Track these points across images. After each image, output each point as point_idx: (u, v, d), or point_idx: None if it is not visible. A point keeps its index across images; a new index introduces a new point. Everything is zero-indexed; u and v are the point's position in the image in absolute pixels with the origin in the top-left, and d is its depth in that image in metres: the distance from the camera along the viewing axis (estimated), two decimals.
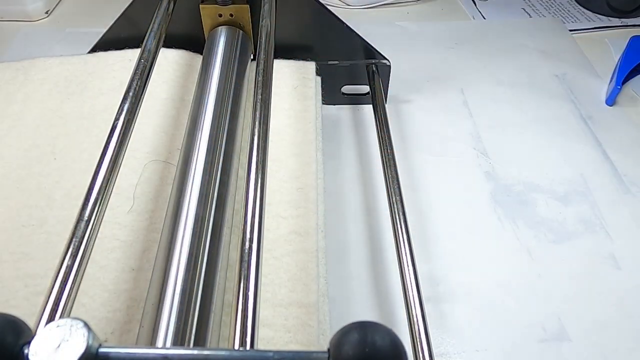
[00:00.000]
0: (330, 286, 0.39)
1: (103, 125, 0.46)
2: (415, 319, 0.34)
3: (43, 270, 0.36)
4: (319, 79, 0.51)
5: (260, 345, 0.31)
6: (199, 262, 0.31)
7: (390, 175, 0.44)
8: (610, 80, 0.59)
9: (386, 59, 0.54)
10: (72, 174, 0.42)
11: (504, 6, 0.75)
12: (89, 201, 0.29)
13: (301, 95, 0.49)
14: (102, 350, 0.18)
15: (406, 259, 0.38)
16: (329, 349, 0.19)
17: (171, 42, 0.50)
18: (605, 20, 0.71)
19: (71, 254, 0.26)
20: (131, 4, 0.51)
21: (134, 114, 0.35)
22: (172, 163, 0.43)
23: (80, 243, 0.27)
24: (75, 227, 0.28)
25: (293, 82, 0.50)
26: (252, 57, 0.51)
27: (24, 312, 0.32)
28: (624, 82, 0.58)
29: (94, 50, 0.53)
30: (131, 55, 0.51)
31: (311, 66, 0.51)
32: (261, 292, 0.32)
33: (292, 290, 0.35)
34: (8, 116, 0.47)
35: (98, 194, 0.29)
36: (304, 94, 0.49)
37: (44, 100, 0.48)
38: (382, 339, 0.18)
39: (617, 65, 0.60)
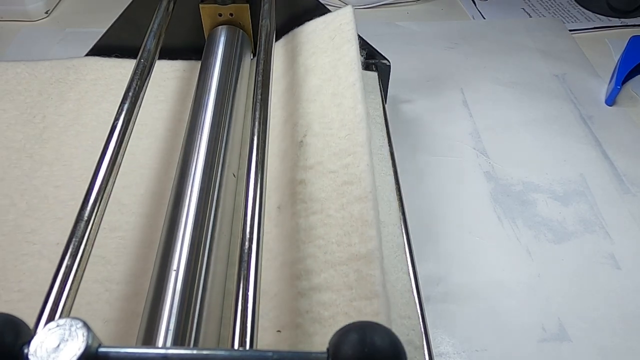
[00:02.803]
0: None
1: (160, 131, 0.46)
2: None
3: (122, 275, 0.36)
4: (354, 22, 0.46)
5: (322, 310, 0.30)
6: (199, 262, 0.31)
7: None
8: (610, 80, 0.59)
9: (386, 58, 0.54)
10: (141, 178, 0.42)
11: (504, 6, 0.75)
12: (89, 201, 0.29)
13: (337, 44, 0.45)
14: (101, 349, 0.18)
15: (406, 258, 0.38)
16: (328, 349, 0.19)
17: (171, 42, 0.50)
18: (605, 20, 0.71)
19: (71, 254, 0.26)
20: (131, 4, 0.51)
21: (134, 114, 0.35)
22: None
23: (80, 243, 0.27)
24: (75, 227, 0.28)
25: (329, 34, 0.46)
26: (252, 56, 0.51)
27: (107, 317, 0.33)
28: (623, 82, 0.58)
29: (93, 50, 0.53)
30: (184, 66, 0.52)
31: (348, 11, 0.47)
32: (320, 253, 0.32)
33: (349, 244, 0.32)
34: (62, 114, 0.47)
35: (98, 193, 0.29)
36: (341, 42, 0.44)
37: (99, 101, 0.48)
38: (382, 339, 0.18)
39: (617, 65, 0.60)
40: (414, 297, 0.35)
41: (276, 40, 0.50)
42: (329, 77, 0.42)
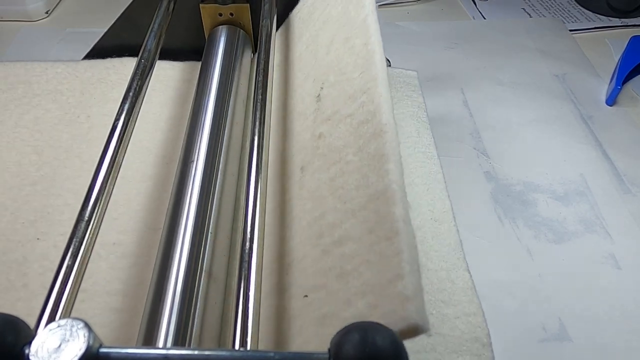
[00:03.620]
0: None
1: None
2: None
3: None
4: None
5: (344, 264, 0.26)
6: (199, 262, 0.31)
7: None
8: (610, 80, 0.59)
9: (387, 59, 0.54)
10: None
11: (504, 6, 0.75)
12: (89, 201, 0.29)
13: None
14: (102, 350, 0.18)
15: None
16: (329, 349, 0.19)
17: (172, 42, 0.50)
18: (606, 20, 0.71)
19: (71, 254, 0.26)
20: (131, 3, 0.51)
21: (135, 114, 0.35)
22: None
23: (81, 243, 0.27)
24: (76, 227, 0.28)
25: None
26: (252, 56, 0.51)
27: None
28: (624, 82, 0.58)
29: (94, 50, 0.53)
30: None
31: None
32: (341, 204, 0.29)
33: (367, 186, 0.28)
34: (107, 114, 0.47)
35: (98, 194, 0.29)
36: None
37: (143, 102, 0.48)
38: (383, 340, 0.18)
39: (617, 65, 0.60)
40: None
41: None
42: (342, 24, 0.39)
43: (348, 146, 0.31)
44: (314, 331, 0.26)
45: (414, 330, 0.20)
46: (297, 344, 0.27)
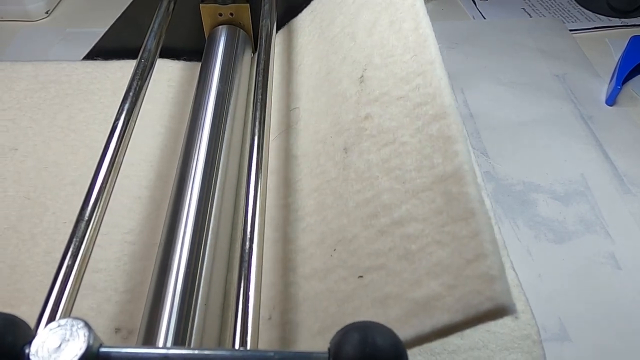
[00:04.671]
0: None
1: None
2: None
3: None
4: None
5: (408, 244, 0.26)
6: (199, 262, 0.31)
7: None
8: (610, 80, 0.59)
9: None
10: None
11: (504, 6, 0.75)
12: (89, 201, 0.29)
13: None
14: (102, 350, 0.18)
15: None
16: (329, 349, 0.19)
17: (172, 42, 0.50)
18: (606, 20, 0.71)
19: (71, 254, 0.26)
20: (131, 3, 0.51)
21: (135, 114, 0.35)
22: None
23: (81, 243, 0.27)
24: (76, 227, 0.28)
25: None
26: (252, 56, 0.51)
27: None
28: (624, 82, 0.58)
29: (94, 50, 0.53)
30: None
31: None
32: (398, 184, 0.28)
33: (431, 167, 0.27)
34: (141, 116, 0.47)
35: (98, 194, 0.29)
36: None
37: (173, 103, 0.49)
38: (383, 339, 0.18)
39: (617, 65, 0.60)
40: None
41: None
42: (384, 6, 0.38)
43: (402, 127, 0.30)
44: (374, 312, 0.25)
45: (501, 311, 0.20)
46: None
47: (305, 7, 0.50)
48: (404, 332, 0.23)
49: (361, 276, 0.27)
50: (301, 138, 0.39)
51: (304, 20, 0.50)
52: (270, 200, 0.37)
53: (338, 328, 0.24)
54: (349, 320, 0.25)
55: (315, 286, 0.30)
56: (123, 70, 0.51)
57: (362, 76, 0.35)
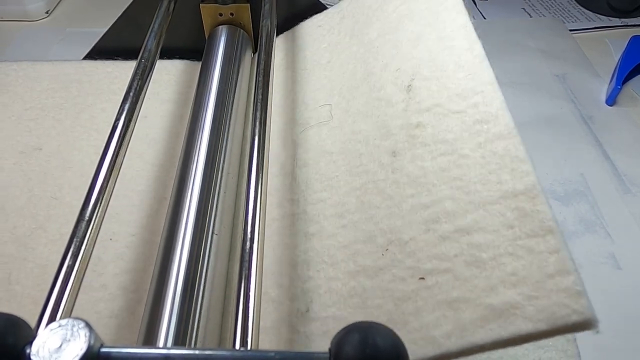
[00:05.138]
0: None
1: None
2: None
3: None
4: None
5: (477, 252, 0.27)
6: (200, 262, 0.31)
7: None
8: (611, 80, 0.59)
9: None
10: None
11: (504, 6, 0.75)
12: (89, 201, 0.29)
13: None
14: (103, 350, 0.18)
15: None
16: (330, 349, 0.19)
17: (172, 42, 0.50)
18: (606, 20, 0.71)
19: (72, 254, 0.26)
20: (131, 3, 0.51)
21: (135, 114, 0.35)
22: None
23: (81, 243, 0.27)
24: (76, 227, 0.28)
25: None
26: (252, 56, 0.51)
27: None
28: (624, 82, 0.58)
29: (94, 50, 0.53)
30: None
31: None
32: (461, 194, 0.30)
33: (498, 182, 0.29)
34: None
35: (98, 194, 0.29)
36: None
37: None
38: (384, 340, 0.18)
39: (617, 65, 0.60)
40: None
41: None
42: (430, 22, 0.40)
43: (461, 140, 0.32)
44: (442, 314, 0.26)
45: (587, 325, 0.22)
46: (415, 325, 0.27)
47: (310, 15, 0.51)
48: (479, 336, 0.24)
49: (422, 278, 0.28)
50: (336, 135, 0.39)
51: (331, 17, 0.50)
52: (300, 193, 0.38)
53: (398, 326, 0.25)
54: (412, 319, 0.27)
55: (364, 283, 0.30)
56: (159, 69, 0.51)
57: (410, 85, 0.37)
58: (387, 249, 0.31)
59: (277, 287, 0.33)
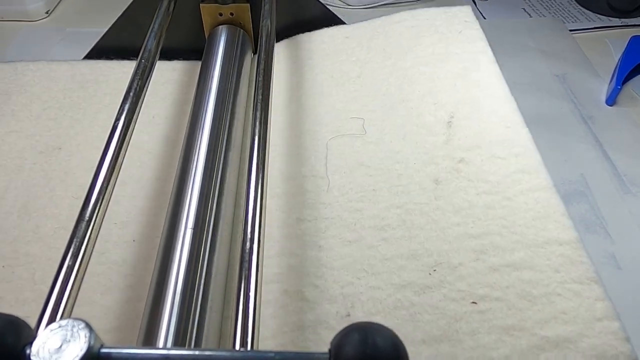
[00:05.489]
0: None
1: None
2: None
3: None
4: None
5: (528, 287, 0.31)
6: (199, 263, 0.31)
7: None
8: (611, 80, 0.59)
9: None
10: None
11: (504, 6, 0.75)
12: (89, 201, 0.29)
13: (468, 38, 0.49)
14: (103, 350, 0.18)
15: None
16: (330, 350, 0.19)
17: (172, 42, 0.50)
18: (606, 20, 0.71)
19: (72, 254, 0.26)
20: (131, 4, 0.51)
21: (135, 115, 0.35)
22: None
23: (81, 243, 0.27)
24: (76, 227, 0.28)
25: (455, 27, 0.50)
26: (252, 56, 0.51)
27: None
28: (624, 82, 0.58)
29: (94, 50, 0.53)
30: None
31: (467, 10, 0.52)
32: (507, 232, 0.34)
33: (543, 229, 0.34)
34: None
35: (98, 194, 0.29)
36: (472, 37, 0.49)
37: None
38: (384, 340, 0.18)
39: (617, 65, 0.60)
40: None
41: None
42: (467, 66, 0.45)
43: (504, 184, 0.37)
44: (498, 337, 0.29)
45: None
46: (471, 344, 0.30)
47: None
48: None
49: (475, 302, 0.31)
50: (372, 151, 0.41)
51: (361, 32, 0.52)
52: (333, 198, 0.39)
53: (453, 342, 0.29)
54: (467, 338, 0.30)
55: (411, 298, 0.32)
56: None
57: (450, 122, 0.41)
58: (434, 269, 0.33)
59: (312, 288, 0.34)
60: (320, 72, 0.49)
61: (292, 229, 0.37)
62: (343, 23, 0.54)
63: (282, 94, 0.48)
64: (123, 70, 0.51)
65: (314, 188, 0.40)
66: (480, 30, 0.49)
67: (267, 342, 0.31)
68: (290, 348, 0.31)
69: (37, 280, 0.36)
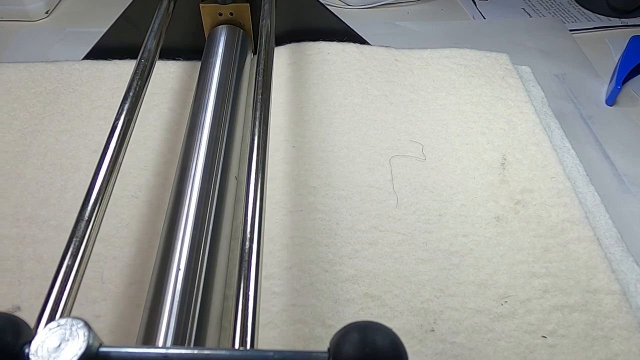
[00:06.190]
0: None
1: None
2: None
3: (337, 257, 0.37)
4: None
5: (588, 328, 0.34)
6: (199, 262, 0.31)
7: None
8: (610, 80, 0.59)
9: None
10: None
11: (504, 6, 0.75)
12: (89, 201, 0.29)
13: (510, 85, 0.52)
14: (102, 349, 0.18)
15: None
16: (329, 349, 0.19)
17: (171, 42, 0.50)
18: (605, 20, 0.71)
19: (71, 254, 0.26)
20: (131, 4, 0.51)
21: (135, 115, 0.35)
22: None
23: (81, 243, 0.27)
24: (76, 227, 0.28)
25: (497, 72, 0.53)
26: (252, 56, 0.51)
27: (332, 297, 0.35)
28: (624, 82, 0.58)
29: (94, 50, 0.53)
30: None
31: (506, 57, 0.56)
32: (564, 275, 0.37)
33: (593, 277, 0.37)
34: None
35: (98, 194, 0.29)
36: (513, 85, 0.52)
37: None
38: (383, 339, 0.18)
39: (617, 65, 0.60)
40: None
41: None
42: (513, 112, 0.49)
43: (555, 230, 0.40)
44: None
45: None
46: None
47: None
48: None
49: (545, 337, 0.34)
50: (433, 177, 0.43)
51: (411, 59, 0.55)
52: (403, 216, 0.40)
53: None
54: None
55: (487, 324, 0.34)
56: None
57: (504, 163, 0.44)
58: (506, 301, 0.35)
59: (392, 296, 0.35)
60: (375, 88, 0.51)
61: (367, 235, 0.39)
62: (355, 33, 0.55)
63: (347, 99, 0.50)
64: (169, 70, 0.52)
65: (382, 200, 0.41)
66: (519, 79, 0.53)
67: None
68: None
69: (105, 279, 0.36)
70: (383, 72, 0.53)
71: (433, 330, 0.34)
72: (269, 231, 0.39)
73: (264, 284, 0.36)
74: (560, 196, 0.42)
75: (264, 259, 0.37)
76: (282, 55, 0.53)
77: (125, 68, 0.52)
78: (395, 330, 0.32)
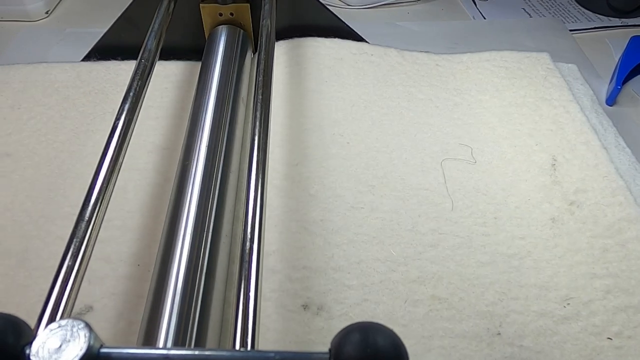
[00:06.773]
0: None
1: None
2: None
3: (401, 257, 0.38)
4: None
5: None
6: (200, 263, 0.31)
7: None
8: (611, 80, 0.59)
9: None
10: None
11: (504, 6, 0.75)
12: (89, 201, 0.29)
13: (554, 85, 0.52)
14: (103, 350, 0.18)
15: None
16: (330, 350, 0.19)
17: (172, 42, 0.50)
18: (605, 20, 0.71)
19: (72, 254, 0.26)
20: (131, 4, 0.51)
21: (135, 115, 0.35)
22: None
23: (81, 243, 0.27)
24: (76, 227, 0.28)
25: (539, 72, 0.54)
26: (252, 56, 0.51)
27: (402, 297, 0.36)
28: (624, 82, 0.58)
29: (94, 50, 0.53)
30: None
31: (547, 56, 0.56)
32: (625, 275, 0.36)
33: None
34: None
35: (98, 194, 0.29)
36: (557, 84, 0.52)
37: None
38: (384, 340, 0.18)
39: (617, 65, 0.60)
40: None
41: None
42: (559, 112, 0.49)
43: (612, 230, 0.40)
44: None
45: None
46: None
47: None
48: None
49: (611, 338, 0.34)
50: (485, 180, 0.44)
51: (449, 65, 0.55)
52: (461, 218, 0.41)
53: None
54: None
55: (551, 326, 0.34)
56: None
57: (554, 165, 0.44)
58: (568, 303, 0.35)
59: (458, 299, 0.36)
60: (419, 92, 0.51)
61: (427, 237, 0.39)
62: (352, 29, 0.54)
63: (394, 101, 0.50)
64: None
65: (438, 203, 0.42)
66: (562, 78, 0.53)
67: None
68: (452, 353, 0.33)
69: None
70: (425, 76, 0.53)
71: (499, 334, 0.34)
72: (333, 224, 0.39)
73: (334, 275, 0.37)
74: (615, 195, 0.41)
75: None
76: (328, 50, 0.54)
77: (172, 69, 0.52)
78: (463, 333, 0.34)
